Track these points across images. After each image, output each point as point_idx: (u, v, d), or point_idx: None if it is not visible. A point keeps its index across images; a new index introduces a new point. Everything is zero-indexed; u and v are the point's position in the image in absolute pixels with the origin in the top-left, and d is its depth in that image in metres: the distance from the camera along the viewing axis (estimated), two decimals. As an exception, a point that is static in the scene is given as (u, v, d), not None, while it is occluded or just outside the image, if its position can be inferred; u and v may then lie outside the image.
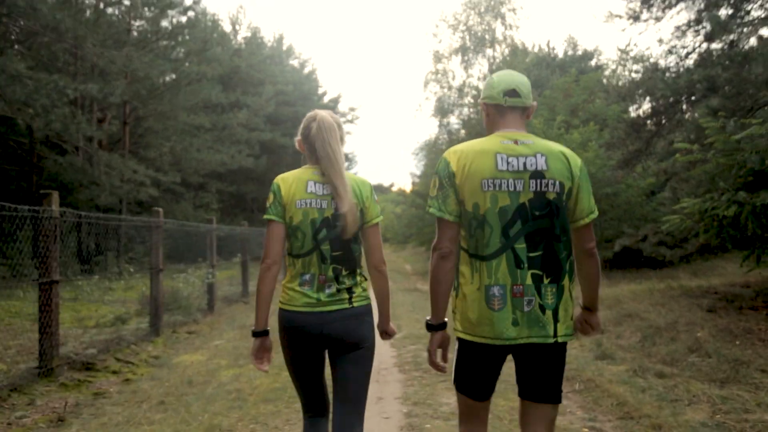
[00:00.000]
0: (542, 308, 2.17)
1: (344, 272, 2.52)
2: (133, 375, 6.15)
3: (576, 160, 2.25)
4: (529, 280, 2.16)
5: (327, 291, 2.48)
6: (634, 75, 19.52)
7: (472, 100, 25.82)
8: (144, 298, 9.93)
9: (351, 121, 40.63)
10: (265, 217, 2.53)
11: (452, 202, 2.20)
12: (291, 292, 2.49)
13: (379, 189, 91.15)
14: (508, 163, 2.17)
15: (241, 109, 27.79)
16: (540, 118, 18.03)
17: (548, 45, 38.46)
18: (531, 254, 2.16)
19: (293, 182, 2.51)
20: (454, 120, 26.51)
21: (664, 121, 12.00)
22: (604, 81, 25.62)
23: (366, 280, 2.63)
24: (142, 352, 7.21)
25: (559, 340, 2.20)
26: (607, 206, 16.68)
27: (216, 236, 11.36)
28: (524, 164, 2.18)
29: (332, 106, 39.04)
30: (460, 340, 2.28)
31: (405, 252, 37.22)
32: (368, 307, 2.58)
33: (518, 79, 2.31)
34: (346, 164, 2.64)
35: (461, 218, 2.22)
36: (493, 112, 2.34)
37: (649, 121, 11.88)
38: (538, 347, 2.19)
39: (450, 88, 25.94)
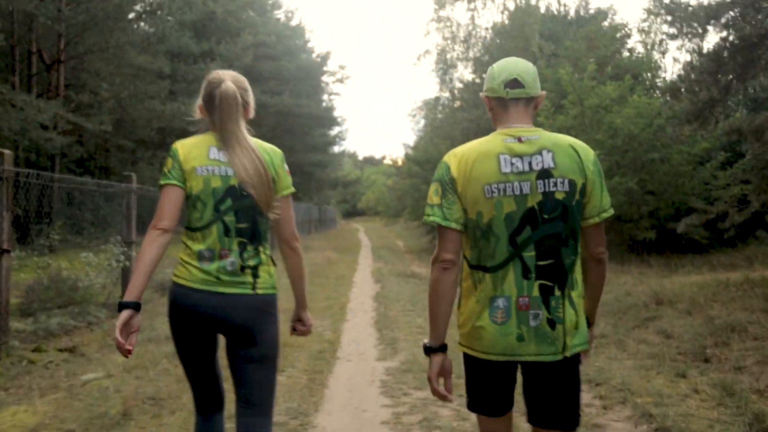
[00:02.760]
0: (551, 323, 1.91)
1: (249, 248, 2.22)
2: None
3: (588, 154, 1.99)
4: (536, 292, 1.92)
5: (229, 269, 2.18)
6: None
7: (478, 54, 22.48)
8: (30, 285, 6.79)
9: (341, 81, 37.09)
10: (162, 182, 2.21)
11: (458, 210, 1.97)
12: (188, 266, 2.18)
13: (371, 161, 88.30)
14: (512, 164, 1.93)
15: (213, 59, 24.25)
16: (566, 69, 15.14)
17: (559, 2, 35.31)
18: (540, 263, 1.92)
19: (193, 148, 2.23)
20: (457, 76, 23.12)
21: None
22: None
23: (274, 265, 2.30)
24: (-66, 402, 4.02)
25: (568, 354, 1.93)
26: (646, 176, 13.79)
27: (137, 200, 8.04)
28: (530, 164, 1.93)
29: (320, 63, 35.47)
30: (464, 354, 2.04)
31: (396, 226, 34.20)
32: (274, 299, 2.27)
33: (521, 66, 2.04)
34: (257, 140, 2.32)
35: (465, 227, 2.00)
36: (496, 106, 2.06)
37: (738, 57, 8.68)
38: (547, 366, 1.93)
39: (454, 38, 22.50)
